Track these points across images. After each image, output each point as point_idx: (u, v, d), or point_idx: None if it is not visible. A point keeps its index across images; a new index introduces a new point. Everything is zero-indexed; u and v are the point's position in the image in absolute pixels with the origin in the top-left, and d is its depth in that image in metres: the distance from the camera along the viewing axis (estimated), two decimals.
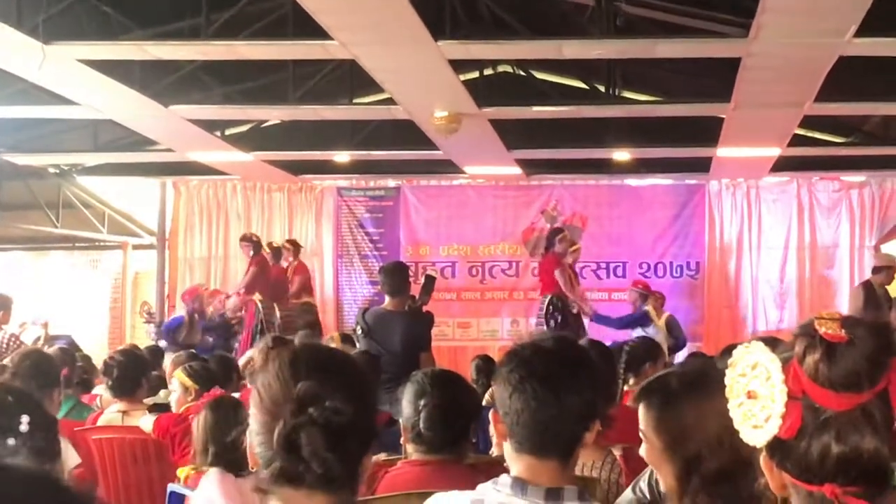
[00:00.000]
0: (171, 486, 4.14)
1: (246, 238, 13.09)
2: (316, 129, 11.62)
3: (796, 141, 11.09)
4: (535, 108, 10.39)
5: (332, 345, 8.32)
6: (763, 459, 1.39)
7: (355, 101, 10.05)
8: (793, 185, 14.21)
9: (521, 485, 2.27)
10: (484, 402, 4.63)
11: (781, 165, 12.49)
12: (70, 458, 4.16)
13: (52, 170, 13.73)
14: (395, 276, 7.73)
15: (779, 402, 1.33)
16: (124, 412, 5.55)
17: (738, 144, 11.05)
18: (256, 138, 12.13)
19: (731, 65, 8.02)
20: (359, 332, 7.60)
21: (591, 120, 10.86)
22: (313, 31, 7.22)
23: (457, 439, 3.34)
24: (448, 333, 13.95)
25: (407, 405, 3.40)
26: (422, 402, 3.34)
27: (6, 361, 4.91)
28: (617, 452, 3.55)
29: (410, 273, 8.52)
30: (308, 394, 1.85)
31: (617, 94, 9.93)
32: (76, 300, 14.69)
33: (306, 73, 9.61)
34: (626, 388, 5.52)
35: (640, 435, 2.51)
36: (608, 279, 14.15)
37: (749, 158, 11.98)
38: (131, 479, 5.32)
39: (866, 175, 13.80)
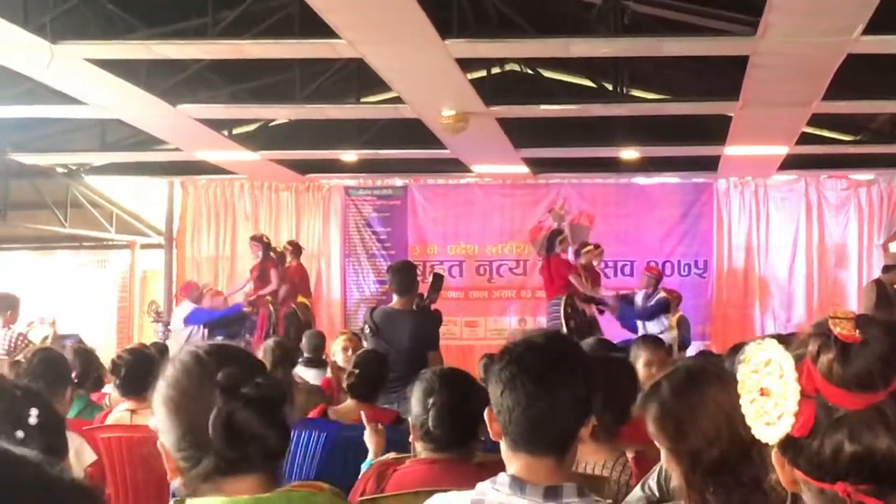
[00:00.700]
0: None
1: (256, 238, 13.20)
2: (323, 128, 11.62)
3: (804, 139, 11.07)
4: (543, 107, 10.38)
5: (341, 345, 8.36)
6: (775, 455, 1.39)
7: (362, 100, 10.03)
8: (801, 184, 14.19)
9: (519, 484, 2.24)
10: None
11: (789, 164, 12.46)
12: (86, 454, 4.19)
13: (59, 169, 13.76)
14: (403, 274, 7.73)
15: (792, 400, 1.32)
16: (133, 411, 5.54)
17: (746, 143, 11.03)
18: (264, 137, 12.14)
19: (739, 63, 8.00)
20: (367, 330, 7.60)
21: (598, 118, 10.84)
22: (320, 29, 7.21)
23: (465, 438, 3.34)
24: (456, 332, 13.95)
25: (416, 403, 3.40)
26: (430, 401, 3.34)
27: (20, 357, 4.92)
28: (629, 454, 3.55)
29: (418, 272, 8.52)
30: (233, 376, 1.84)
31: (625, 92, 9.90)
32: (84, 300, 14.69)
33: (313, 73, 9.60)
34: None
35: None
36: (616, 278, 14.12)
37: (757, 157, 11.96)
38: (139, 478, 5.31)
39: (874, 173, 13.77)
